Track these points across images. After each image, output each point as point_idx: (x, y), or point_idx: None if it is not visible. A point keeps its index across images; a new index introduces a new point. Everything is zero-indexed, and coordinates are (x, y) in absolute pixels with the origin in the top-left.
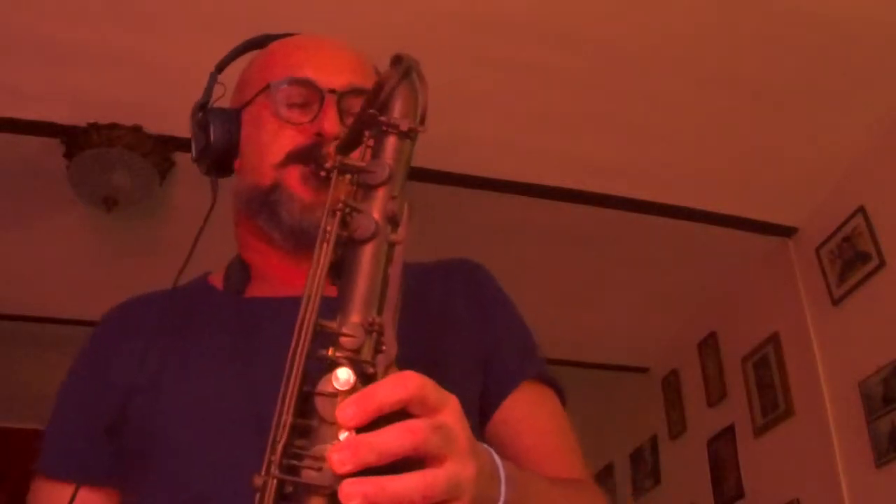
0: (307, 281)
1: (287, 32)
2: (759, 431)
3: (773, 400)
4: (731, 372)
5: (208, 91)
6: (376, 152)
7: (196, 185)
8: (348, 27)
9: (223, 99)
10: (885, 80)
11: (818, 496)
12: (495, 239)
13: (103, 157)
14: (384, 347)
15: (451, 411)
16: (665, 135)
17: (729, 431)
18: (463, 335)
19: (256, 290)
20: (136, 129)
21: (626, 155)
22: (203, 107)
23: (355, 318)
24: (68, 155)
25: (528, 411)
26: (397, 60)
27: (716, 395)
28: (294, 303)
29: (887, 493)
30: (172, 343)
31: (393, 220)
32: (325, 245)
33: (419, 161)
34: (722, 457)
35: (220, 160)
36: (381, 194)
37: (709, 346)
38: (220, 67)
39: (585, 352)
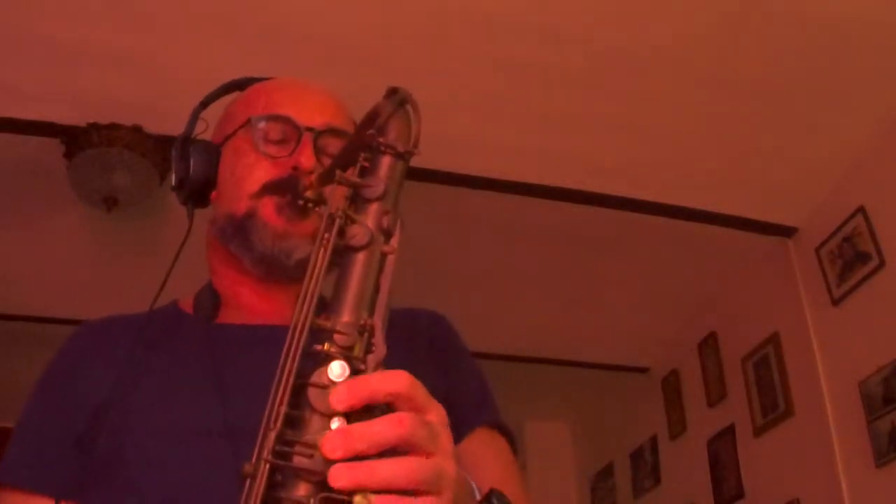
0: (304, 281)
1: (268, 76)
2: (759, 431)
3: (773, 400)
4: (731, 372)
5: (191, 125)
6: (372, 169)
7: None
8: (349, 27)
9: (205, 135)
10: (885, 80)
11: (818, 496)
12: (495, 239)
13: (103, 157)
14: (374, 348)
15: (437, 414)
16: (665, 135)
17: (729, 431)
18: (422, 378)
19: (226, 318)
20: (136, 129)
21: (626, 155)
22: (185, 139)
23: (347, 317)
24: (68, 155)
25: (480, 457)
26: (392, 92)
27: (716, 395)
28: (263, 330)
29: (887, 493)
30: (143, 363)
31: (386, 233)
32: (322, 250)
33: (420, 161)
34: (722, 457)
35: (199, 191)
36: (375, 208)
37: (709, 346)
38: (205, 104)
39: (585, 352)
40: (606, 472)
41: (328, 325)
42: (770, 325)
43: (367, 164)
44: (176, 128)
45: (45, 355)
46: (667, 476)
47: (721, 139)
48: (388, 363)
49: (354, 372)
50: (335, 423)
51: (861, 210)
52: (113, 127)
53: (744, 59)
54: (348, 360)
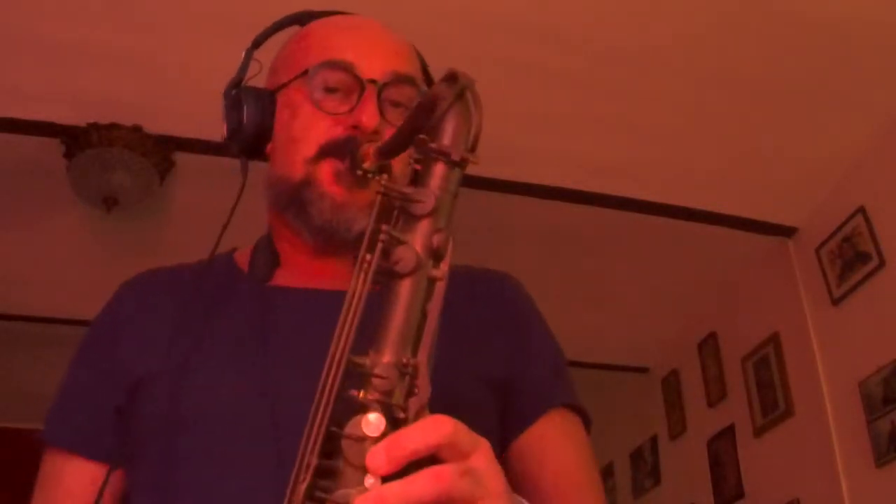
0: (342, 314)
1: (330, 10)
2: (759, 431)
3: (773, 400)
4: (731, 372)
5: (243, 68)
6: (423, 179)
7: (196, 185)
8: None
9: (258, 78)
10: (885, 80)
11: (818, 496)
12: (495, 239)
13: (103, 157)
14: (417, 390)
15: (482, 455)
16: (665, 135)
17: (729, 431)
18: (482, 351)
19: (281, 279)
20: (136, 129)
21: (626, 155)
22: (237, 85)
23: (388, 357)
24: (68, 155)
25: (554, 442)
26: (452, 78)
27: (716, 395)
28: (320, 296)
29: (887, 493)
30: (191, 328)
31: (436, 255)
32: (362, 275)
33: None
34: (722, 457)
35: (252, 143)
36: (425, 225)
37: (709, 346)
38: (257, 44)
39: (585, 352)
40: (606, 472)
41: (366, 364)
42: (770, 325)
43: (418, 166)
44: (176, 128)
45: (45, 355)
46: (667, 476)
47: (721, 139)
48: (449, 331)
49: (392, 421)
50: (370, 480)
51: (861, 210)
52: (113, 127)
53: (744, 59)
54: (386, 408)
